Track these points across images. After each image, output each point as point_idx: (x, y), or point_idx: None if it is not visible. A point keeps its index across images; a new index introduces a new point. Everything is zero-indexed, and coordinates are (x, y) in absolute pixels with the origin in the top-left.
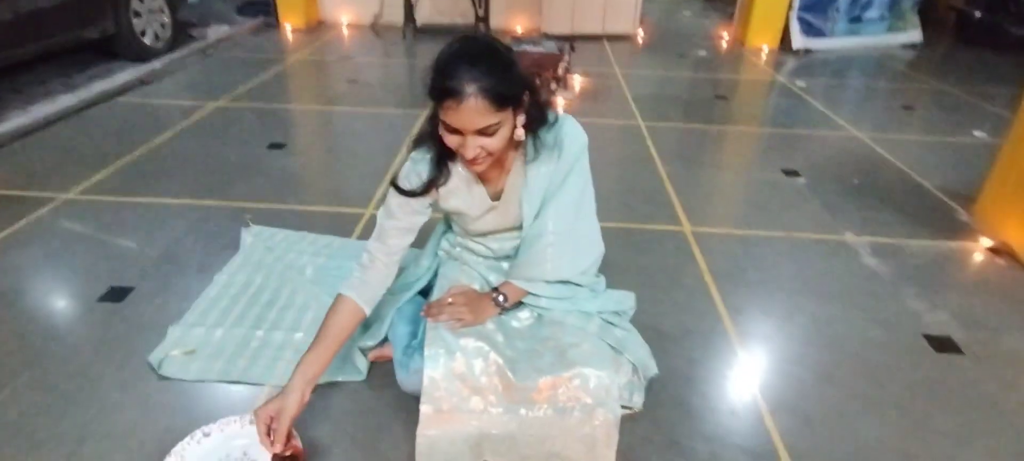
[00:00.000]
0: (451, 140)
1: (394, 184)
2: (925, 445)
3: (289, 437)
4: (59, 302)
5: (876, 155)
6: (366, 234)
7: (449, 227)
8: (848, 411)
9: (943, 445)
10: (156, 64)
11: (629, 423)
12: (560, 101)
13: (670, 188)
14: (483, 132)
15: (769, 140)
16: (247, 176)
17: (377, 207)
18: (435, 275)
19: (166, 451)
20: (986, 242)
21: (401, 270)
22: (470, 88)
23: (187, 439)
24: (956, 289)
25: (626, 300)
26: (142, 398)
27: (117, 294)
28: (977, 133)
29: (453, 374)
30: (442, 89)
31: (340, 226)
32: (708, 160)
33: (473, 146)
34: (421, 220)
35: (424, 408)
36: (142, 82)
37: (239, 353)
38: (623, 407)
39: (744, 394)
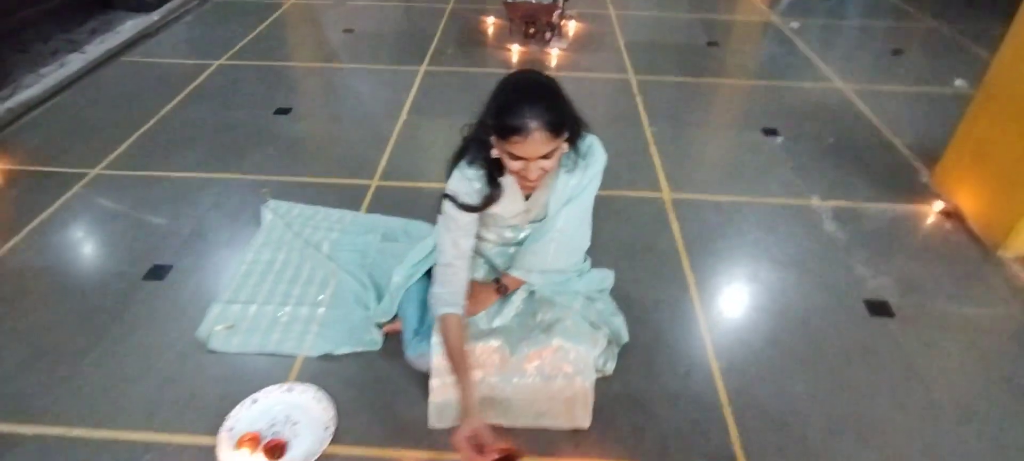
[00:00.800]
0: (514, 165)
1: (455, 202)
2: (845, 401)
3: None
4: (109, 281)
5: (855, 110)
6: (373, 206)
7: None
8: (786, 372)
9: (860, 401)
10: (154, 16)
11: (603, 385)
12: (554, 51)
13: (654, 151)
14: (544, 157)
15: (754, 94)
16: (258, 144)
17: (383, 178)
18: None
19: (224, 416)
20: (939, 205)
21: (407, 252)
22: (533, 124)
23: (240, 405)
24: (902, 253)
25: (607, 278)
26: (197, 370)
27: (159, 272)
28: (958, 82)
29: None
30: (509, 128)
31: (350, 197)
32: (694, 119)
33: (535, 169)
34: (477, 223)
35: (433, 382)
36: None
37: (272, 328)
38: (598, 372)
39: (700, 357)
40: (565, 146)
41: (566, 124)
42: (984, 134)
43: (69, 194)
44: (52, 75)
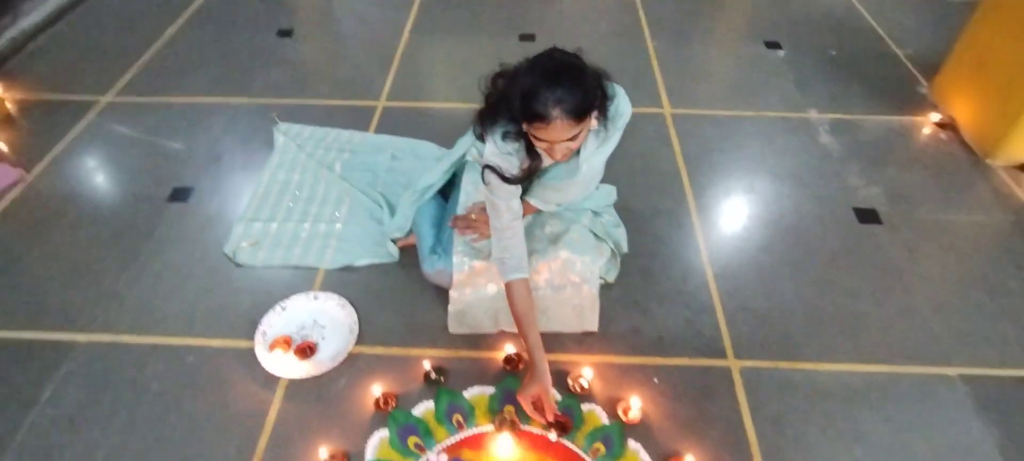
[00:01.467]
0: (541, 145)
1: (499, 174)
2: (827, 301)
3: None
4: (136, 204)
5: (860, 20)
6: (381, 126)
7: (480, 139)
8: (776, 275)
9: (842, 300)
10: None
11: (606, 291)
12: None
13: (656, 67)
14: (570, 140)
15: (758, 5)
16: (263, 67)
17: (389, 98)
18: (451, 179)
19: (256, 322)
20: (935, 116)
21: (421, 174)
22: (555, 111)
23: (270, 312)
24: (895, 163)
25: (610, 194)
26: (227, 282)
27: (182, 194)
28: None
29: (475, 272)
30: (533, 114)
31: (358, 119)
32: (697, 33)
33: (561, 150)
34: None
35: (453, 294)
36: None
37: (293, 243)
38: (602, 279)
39: (695, 263)
40: (593, 123)
41: (591, 108)
42: (985, 45)
43: (84, 122)
44: (51, 0)
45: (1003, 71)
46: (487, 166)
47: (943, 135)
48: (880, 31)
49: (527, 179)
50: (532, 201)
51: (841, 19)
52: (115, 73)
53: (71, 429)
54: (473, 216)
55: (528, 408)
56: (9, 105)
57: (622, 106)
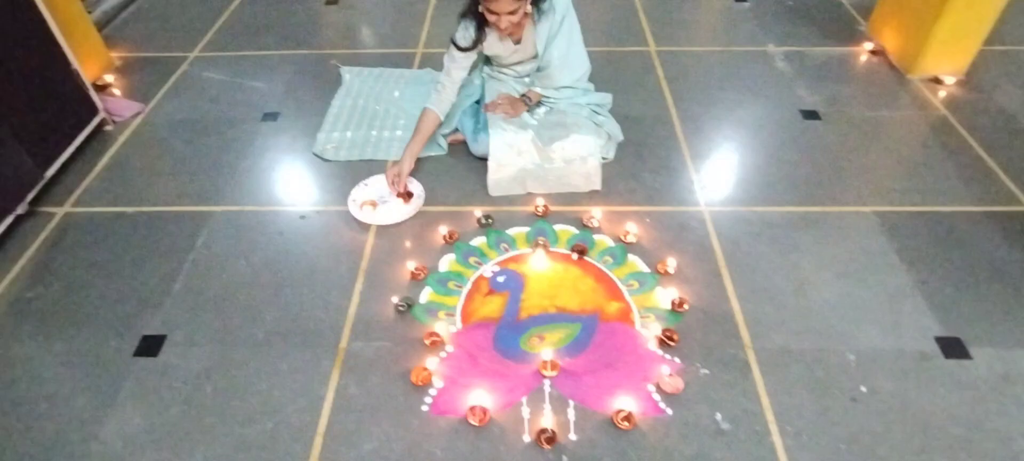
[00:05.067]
0: (491, 18)
1: (454, 43)
2: (776, 170)
3: (405, 186)
4: (236, 124)
5: None
6: (424, 64)
7: (487, 61)
8: (738, 153)
9: (786, 168)
10: None
11: (607, 166)
12: None
13: (643, 16)
14: (510, 13)
15: None
16: (318, 29)
17: (425, 46)
18: (482, 88)
19: (347, 194)
20: (869, 46)
21: (462, 88)
22: None
23: (356, 186)
24: (834, 80)
25: (606, 98)
26: (320, 169)
27: (272, 117)
28: None
29: (506, 143)
30: None
31: (403, 61)
32: None
33: (505, 22)
34: (472, 60)
35: (491, 163)
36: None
37: (365, 144)
38: (603, 158)
39: (676, 147)
40: (528, 6)
41: None
42: None
43: (180, 71)
44: None
45: (916, 3)
46: (451, 40)
47: (875, 60)
48: None
49: (473, 48)
50: (536, 89)
51: None
52: (195, 36)
53: (219, 265)
54: (499, 101)
55: (388, 174)
56: (116, 61)
57: (556, 2)
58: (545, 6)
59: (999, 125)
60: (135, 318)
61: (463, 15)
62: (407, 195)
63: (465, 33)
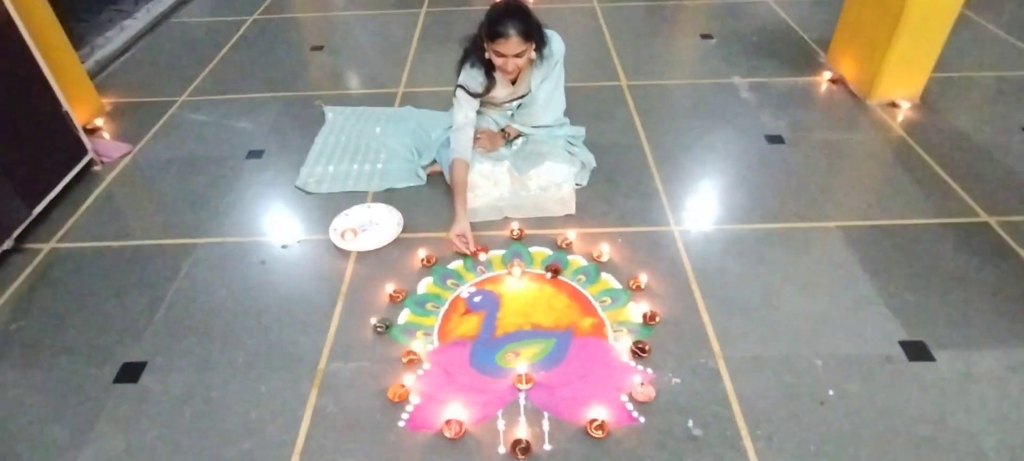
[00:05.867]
0: (498, 61)
1: (466, 90)
2: (743, 190)
3: (476, 243)
4: (222, 162)
5: (776, 17)
6: (405, 102)
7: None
8: (707, 178)
9: (753, 189)
10: None
11: (581, 191)
12: None
13: (615, 55)
14: (518, 56)
15: (696, 11)
16: (304, 73)
17: (406, 86)
18: None
19: (328, 224)
20: (829, 75)
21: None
22: (511, 30)
23: (338, 216)
24: (797, 107)
25: (580, 132)
26: (302, 201)
27: (257, 154)
28: None
29: (482, 174)
30: (495, 32)
31: (386, 100)
32: (647, 32)
33: (512, 65)
34: (478, 103)
35: (468, 195)
36: None
37: (346, 177)
38: (577, 184)
39: (647, 173)
40: (533, 53)
41: (534, 33)
42: (857, 17)
43: (168, 114)
44: (118, 37)
45: (870, 33)
46: (459, 85)
47: (835, 88)
48: (793, 25)
49: (484, 94)
50: (515, 125)
51: (763, 19)
52: (184, 82)
53: (205, 291)
54: (478, 136)
55: (456, 241)
56: (107, 106)
57: (555, 46)
58: (546, 52)
59: (953, 144)
60: (116, 346)
61: (467, 61)
62: (479, 250)
63: (475, 79)
